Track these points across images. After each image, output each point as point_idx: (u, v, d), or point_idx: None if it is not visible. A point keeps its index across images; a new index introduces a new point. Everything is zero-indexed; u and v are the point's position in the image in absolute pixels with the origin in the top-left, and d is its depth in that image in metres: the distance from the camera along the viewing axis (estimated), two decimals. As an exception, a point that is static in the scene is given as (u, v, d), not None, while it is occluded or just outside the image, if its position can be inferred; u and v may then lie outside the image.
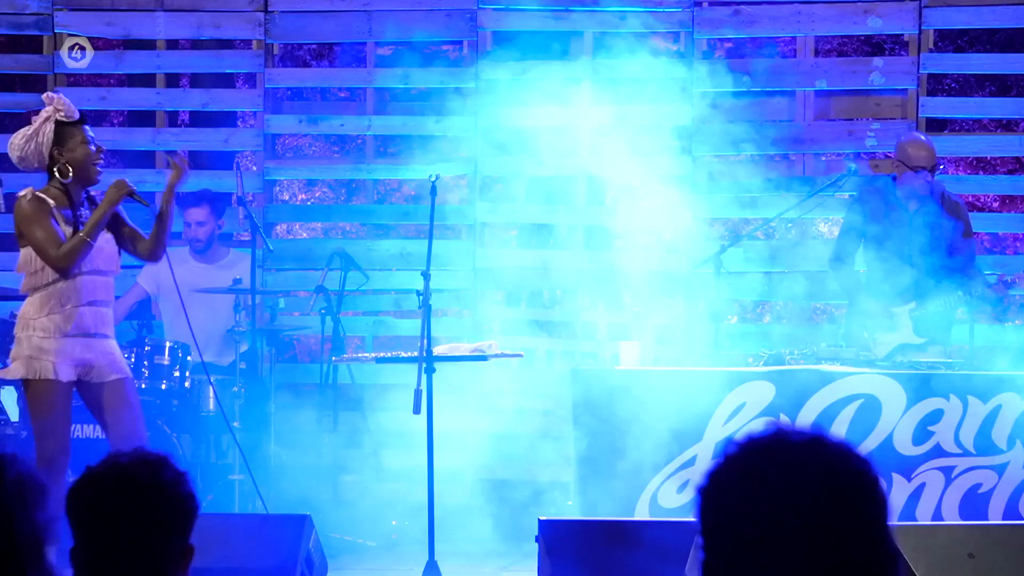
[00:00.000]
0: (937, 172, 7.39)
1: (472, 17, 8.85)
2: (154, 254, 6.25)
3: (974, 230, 7.62)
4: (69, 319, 6.02)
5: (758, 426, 1.99)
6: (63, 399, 6.03)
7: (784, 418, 6.54)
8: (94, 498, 2.60)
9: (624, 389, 6.70)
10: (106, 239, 6.13)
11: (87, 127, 6.09)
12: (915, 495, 6.55)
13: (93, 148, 6.05)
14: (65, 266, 5.99)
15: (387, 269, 9.00)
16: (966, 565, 5.14)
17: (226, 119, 9.59)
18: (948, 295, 7.13)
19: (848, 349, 6.98)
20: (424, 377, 6.33)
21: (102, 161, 6.11)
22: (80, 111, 6.13)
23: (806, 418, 6.55)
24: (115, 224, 6.19)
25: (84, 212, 6.13)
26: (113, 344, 6.20)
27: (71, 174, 6.04)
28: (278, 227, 12.88)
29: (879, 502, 1.91)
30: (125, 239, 6.23)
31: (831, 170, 8.49)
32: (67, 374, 6.02)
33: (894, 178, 7.39)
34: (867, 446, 6.37)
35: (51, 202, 6.06)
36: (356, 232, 12.89)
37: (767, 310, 14.42)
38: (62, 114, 6.03)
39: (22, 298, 6.84)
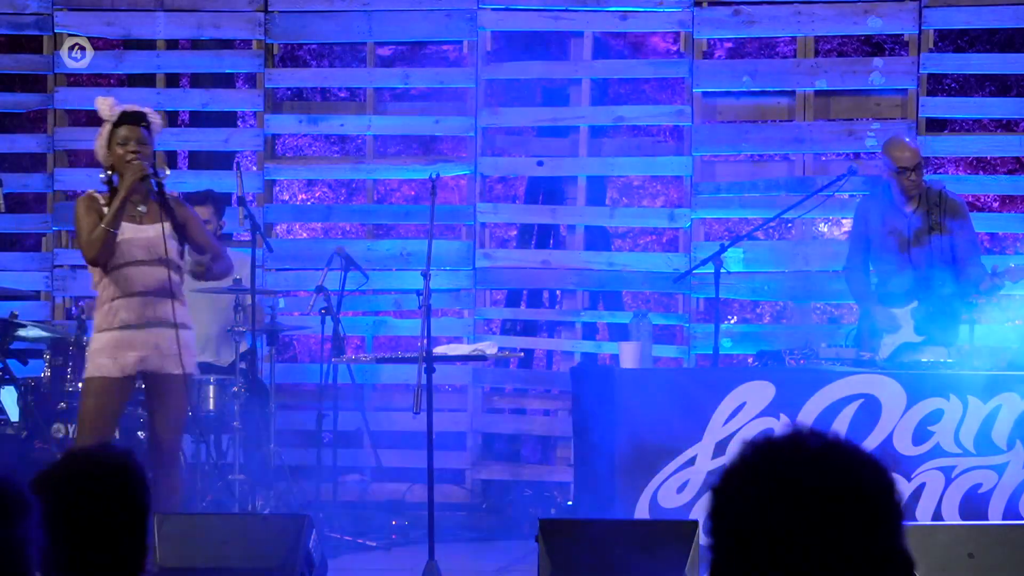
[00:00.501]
0: (924, 171, 7.37)
1: (472, 17, 8.85)
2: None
3: (975, 230, 7.61)
4: (115, 312, 6.10)
5: (776, 427, 1.98)
6: (105, 396, 6.06)
7: (784, 418, 6.54)
8: (48, 496, 2.60)
9: (624, 389, 6.70)
10: (156, 230, 6.16)
11: (129, 126, 6.14)
12: (915, 495, 6.55)
13: (120, 149, 6.11)
14: (91, 256, 6.08)
15: (387, 269, 9.00)
16: (966, 565, 5.14)
17: (226, 119, 9.58)
18: (951, 293, 7.13)
19: (853, 350, 6.97)
20: (424, 377, 6.33)
21: (135, 157, 6.09)
22: (126, 111, 6.19)
23: (806, 418, 6.55)
24: (182, 215, 6.23)
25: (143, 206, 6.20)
26: (173, 335, 6.15)
27: (111, 173, 6.14)
28: (278, 227, 12.88)
29: (894, 508, 1.90)
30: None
31: (831, 170, 8.49)
32: (113, 369, 6.07)
33: (889, 182, 7.39)
34: (867, 446, 6.36)
35: (100, 199, 6.15)
36: (356, 232, 12.90)
37: (767, 310, 14.43)
38: (109, 118, 6.17)
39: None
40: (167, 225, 6.14)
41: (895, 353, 7.09)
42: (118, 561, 2.63)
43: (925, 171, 7.44)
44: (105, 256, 6.06)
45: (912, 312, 7.17)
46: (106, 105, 6.16)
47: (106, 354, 6.07)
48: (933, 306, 7.14)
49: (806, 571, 1.85)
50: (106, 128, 6.16)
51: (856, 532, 1.86)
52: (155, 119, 6.22)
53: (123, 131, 6.12)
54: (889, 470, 1.93)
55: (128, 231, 6.10)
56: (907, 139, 7.47)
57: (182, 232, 6.21)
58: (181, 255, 6.26)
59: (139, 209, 6.16)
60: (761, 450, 1.92)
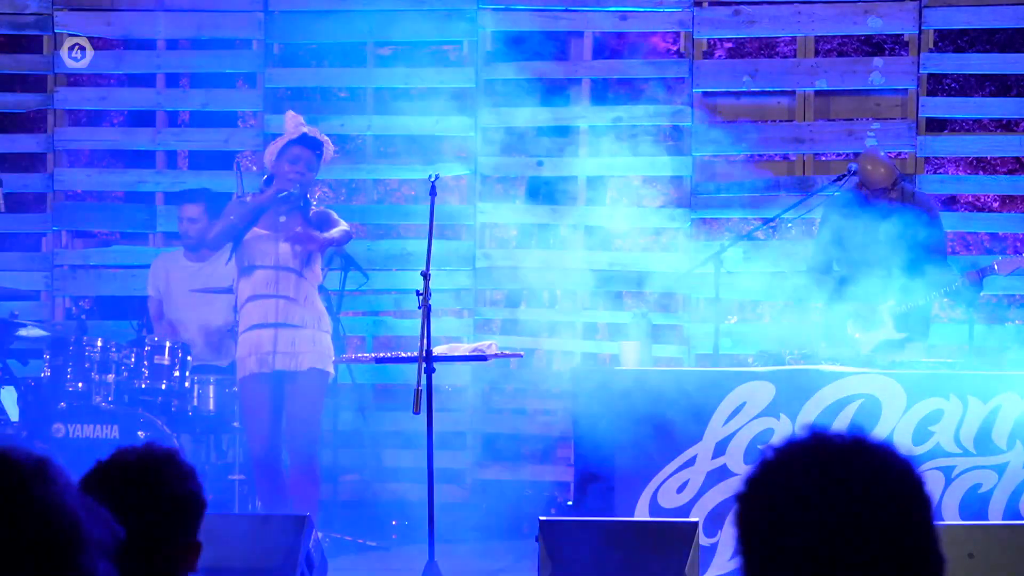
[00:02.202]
0: (899, 184, 7.36)
1: (472, 17, 8.85)
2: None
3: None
4: (245, 315, 6.56)
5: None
6: (249, 396, 6.53)
7: (785, 418, 6.54)
8: (98, 493, 2.60)
9: (624, 389, 6.69)
10: (285, 236, 6.51)
11: (304, 148, 6.61)
12: (915, 495, 6.54)
13: (288, 166, 6.57)
14: (208, 237, 6.76)
15: (387, 269, 9.00)
16: (966, 565, 5.14)
17: (226, 119, 9.57)
18: (926, 291, 7.13)
19: (828, 348, 6.99)
20: (424, 377, 6.33)
21: (296, 178, 6.58)
22: (307, 134, 6.66)
23: (806, 418, 6.54)
24: (318, 223, 6.60)
25: (290, 213, 6.61)
26: (298, 334, 6.51)
27: (272, 183, 6.61)
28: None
29: (925, 504, 1.87)
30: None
31: (831, 170, 8.49)
32: (249, 367, 6.49)
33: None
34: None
35: (247, 199, 6.66)
36: (356, 232, 12.88)
37: (767, 310, 14.41)
38: (292, 134, 6.63)
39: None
40: (298, 233, 6.51)
41: (876, 350, 7.10)
42: (171, 560, 2.61)
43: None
44: (217, 241, 6.62)
45: (890, 310, 7.17)
46: (293, 123, 6.65)
47: (244, 354, 6.50)
48: (912, 303, 7.14)
49: (837, 572, 1.81)
50: (283, 140, 6.63)
51: (886, 532, 1.83)
52: (328, 150, 6.68)
53: (297, 150, 6.62)
54: (916, 465, 1.90)
55: (265, 237, 6.51)
56: (880, 155, 7.37)
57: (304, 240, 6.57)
58: (308, 262, 6.59)
59: (280, 219, 6.54)
60: (784, 453, 1.88)
